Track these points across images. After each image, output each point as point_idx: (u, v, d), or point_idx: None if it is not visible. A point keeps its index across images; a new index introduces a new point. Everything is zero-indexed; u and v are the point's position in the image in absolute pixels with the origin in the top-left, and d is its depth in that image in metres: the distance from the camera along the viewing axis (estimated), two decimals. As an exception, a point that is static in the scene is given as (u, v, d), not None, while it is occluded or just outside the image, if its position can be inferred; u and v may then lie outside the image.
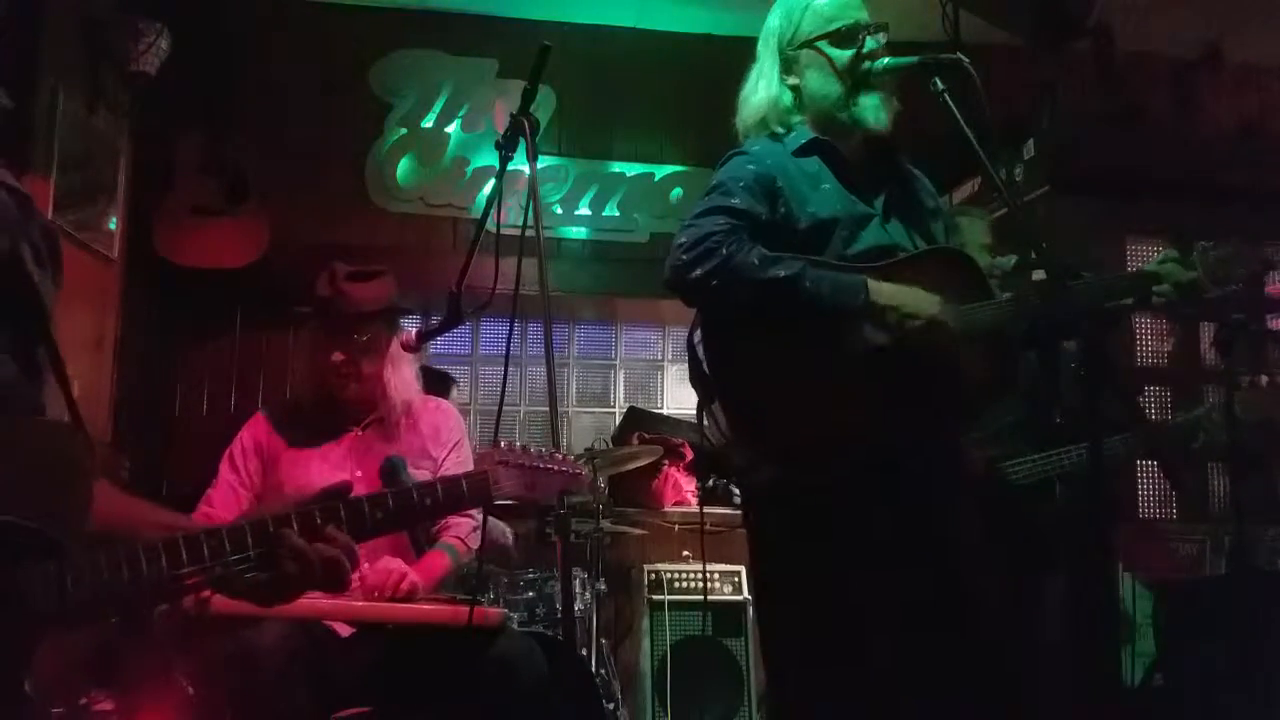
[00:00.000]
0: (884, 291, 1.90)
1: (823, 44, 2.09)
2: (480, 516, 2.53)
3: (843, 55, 2.07)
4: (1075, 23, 3.90)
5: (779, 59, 2.15)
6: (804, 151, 2.08)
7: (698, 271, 1.90)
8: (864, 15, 2.10)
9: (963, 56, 1.99)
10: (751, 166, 2.04)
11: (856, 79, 2.06)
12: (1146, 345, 3.88)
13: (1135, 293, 2.05)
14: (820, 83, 2.10)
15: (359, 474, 2.51)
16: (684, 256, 1.92)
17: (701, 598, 4.02)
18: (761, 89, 2.17)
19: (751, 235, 1.94)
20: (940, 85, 1.98)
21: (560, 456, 1.61)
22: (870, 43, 2.06)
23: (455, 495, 1.43)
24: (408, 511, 1.35)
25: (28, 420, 1.06)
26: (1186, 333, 3.86)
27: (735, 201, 1.98)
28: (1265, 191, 3.77)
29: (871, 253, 2.00)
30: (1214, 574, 3.41)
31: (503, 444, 1.56)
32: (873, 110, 2.06)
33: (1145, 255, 3.93)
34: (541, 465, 1.57)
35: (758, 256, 1.89)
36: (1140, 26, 4.18)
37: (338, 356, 2.53)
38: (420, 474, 2.52)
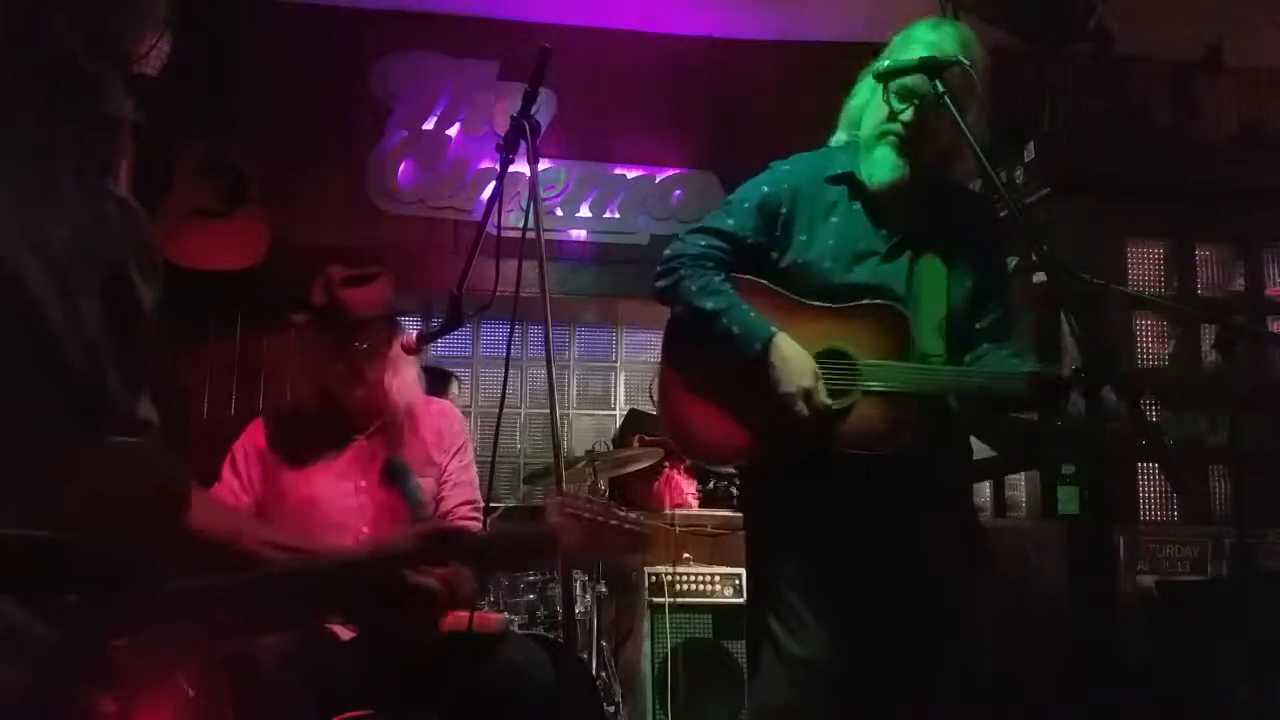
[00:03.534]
0: (778, 353, 2.05)
1: (881, 87, 2.10)
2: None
3: (885, 107, 2.10)
4: (1075, 25, 3.90)
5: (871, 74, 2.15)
6: (836, 180, 2.18)
7: (658, 284, 2.22)
8: (931, 88, 2.00)
9: (963, 59, 2.00)
10: (765, 188, 2.20)
11: (880, 132, 2.11)
12: (1147, 346, 3.87)
13: (1031, 400, 2.07)
14: (860, 117, 2.18)
15: (363, 484, 2.49)
16: (658, 268, 2.22)
17: (705, 600, 4.06)
18: (856, 94, 2.23)
19: (732, 254, 2.17)
20: (941, 87, 1.98)
21: (624, 514, 1.50)
22: (910, 112, 2.07)
23: (519, 552, 1.43)
24: (473, 557, 1.36)
25: (120, 444, 1.05)
26: (1187, 335, 3.85)
27: (729, 223, 2.19)
28: (1265, 193, 3.76)
29: (854, 289, 2.11)
30: (1215, 575, 3.41)
31: (566, 494, 1.52)
32: (869, 165, 2.13)
33: (1146, 257, 3.93)
34: (608, 521, 1.47)
35: (699, 285, 2.13)
36: (1140, 28, 4.18)
37: (339, 365, 2.48)
38: (424, 480, 2.50)
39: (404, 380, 2.57)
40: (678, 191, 4.83)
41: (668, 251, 2.22)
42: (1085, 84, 4.06)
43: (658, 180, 4.85)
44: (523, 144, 1.95)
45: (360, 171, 4.69)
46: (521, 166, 1.96)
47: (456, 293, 2.02)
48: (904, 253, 2.15)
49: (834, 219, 2.15)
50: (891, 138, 2.10)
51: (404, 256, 4.52)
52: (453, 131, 4.78)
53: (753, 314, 2.10)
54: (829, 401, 2.04)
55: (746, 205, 2.19)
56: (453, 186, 4.74)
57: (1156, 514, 3.59)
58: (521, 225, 1.95)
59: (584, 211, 4.84)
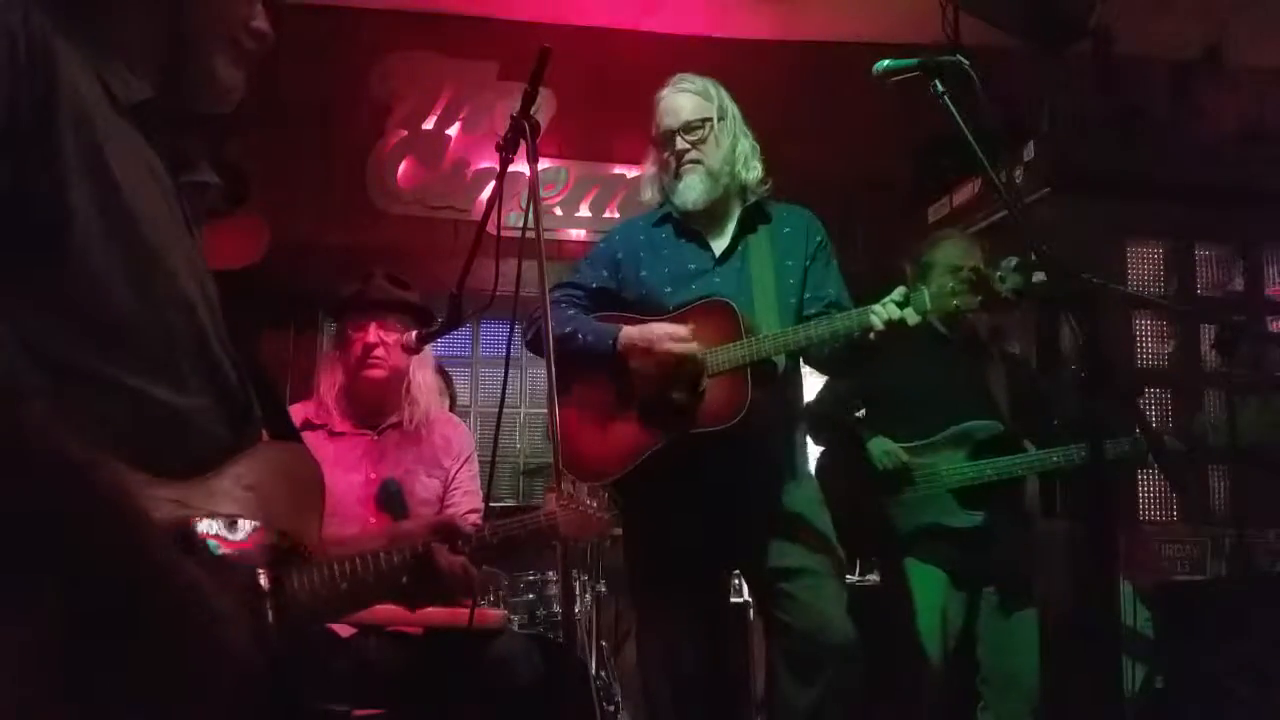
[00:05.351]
0: (627, 337, 2.34)
1: (654, 143, 2.50)
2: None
3: (660, 154, 2.48)
4: (1075, 24, 3.90)
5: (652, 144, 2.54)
6: (661, 221, 2.53)
7: (525, 339, 2.46)
8: (677, 119, 2.44)
9: (963, 58, 2.00)
10: (603, 245, 2.61)
11: (671, 171, 2.45)
12: (1147, 346, 3.88)
13: (857, 330, 2.20)
14: (653, 173, 2.53)
15: (373, 476, 2.55)
16: (524, 324, 2.46)
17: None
18: (647, 168, 2.57)
19: (585, 299, 2.50)
20: (940, 87, 1.99)
21: (593, 504, 1.87)
22: (679, 143, 2.42)
23: (524, 536, 1.67)
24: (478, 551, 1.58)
25: (292, 445, 1.21)
26: (1187, 334, 3.86)
27: (578, 277, 2.54)
28: (1264, 193, 3.77)
29: (693, 302, 2.38)
30: (1214, 576, 3.41)
31: (561, 490, 1.78)
32: (679, 194, 2.44)
33: (1145, 256, 3.94)
34: (586, 511, 1.81)
35: (555, 320, 2.30)
36: (1140, 28, 4.18)
37: (370, 338, 2.57)
38: (432, 483, 2.59)
39: (425, 384, 2.66)
40: (677, 191, 4.82)
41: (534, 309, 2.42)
42: (1085, 84, 4.07)
43: (658, 180, 4.85)
44: (522, 143, 1.94)
45: (360, 171, 4.69)
46: (521, 166, 1.96)
47: (456, 292, 2.02)
48: (731, 262, 2.44)
49: (665, 251, 2.49)
50: (682, 166, 2.43)
51: (404, 256, 4.52)
52: (452, 131, 4.78)
53: (598, 323, 2.40)
54: (686, 332, 2.28)
55: (590, 260, 2.58)
56: (452, 186, 4.74)
57: (1156, 514, 3.60)
58: (521, 225, 1.95)
59: (584, 211, 4.84)
